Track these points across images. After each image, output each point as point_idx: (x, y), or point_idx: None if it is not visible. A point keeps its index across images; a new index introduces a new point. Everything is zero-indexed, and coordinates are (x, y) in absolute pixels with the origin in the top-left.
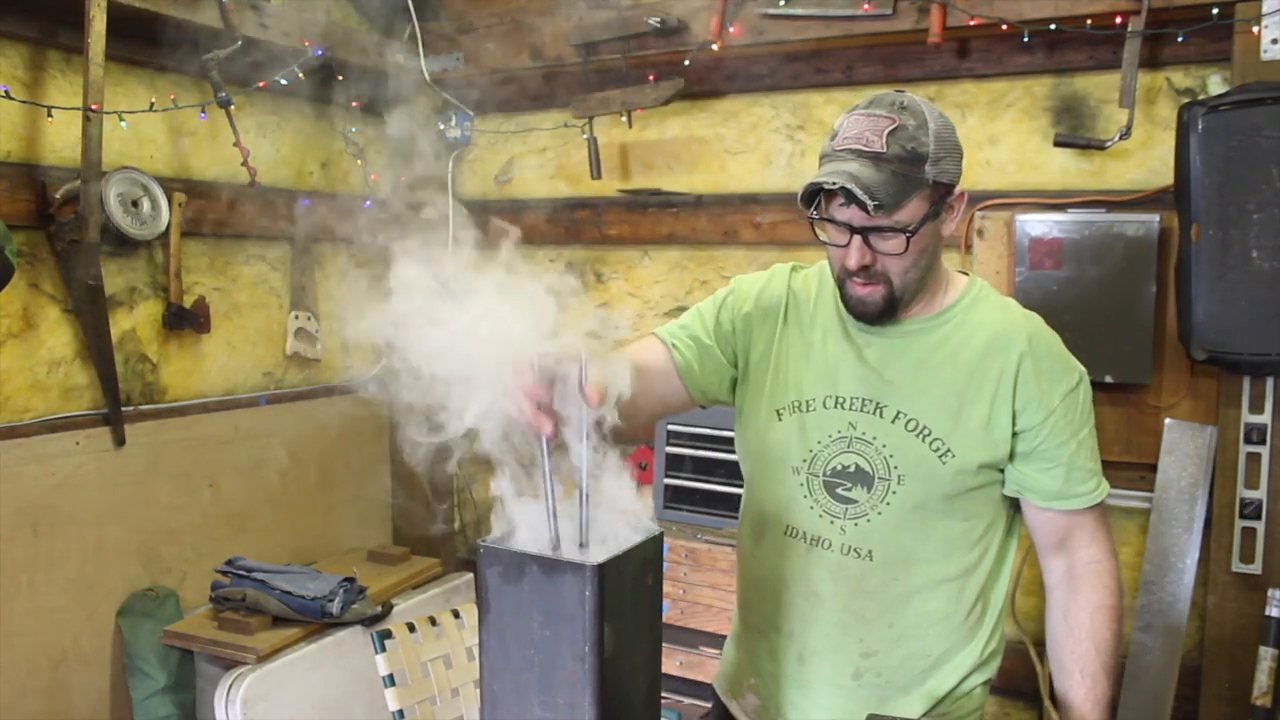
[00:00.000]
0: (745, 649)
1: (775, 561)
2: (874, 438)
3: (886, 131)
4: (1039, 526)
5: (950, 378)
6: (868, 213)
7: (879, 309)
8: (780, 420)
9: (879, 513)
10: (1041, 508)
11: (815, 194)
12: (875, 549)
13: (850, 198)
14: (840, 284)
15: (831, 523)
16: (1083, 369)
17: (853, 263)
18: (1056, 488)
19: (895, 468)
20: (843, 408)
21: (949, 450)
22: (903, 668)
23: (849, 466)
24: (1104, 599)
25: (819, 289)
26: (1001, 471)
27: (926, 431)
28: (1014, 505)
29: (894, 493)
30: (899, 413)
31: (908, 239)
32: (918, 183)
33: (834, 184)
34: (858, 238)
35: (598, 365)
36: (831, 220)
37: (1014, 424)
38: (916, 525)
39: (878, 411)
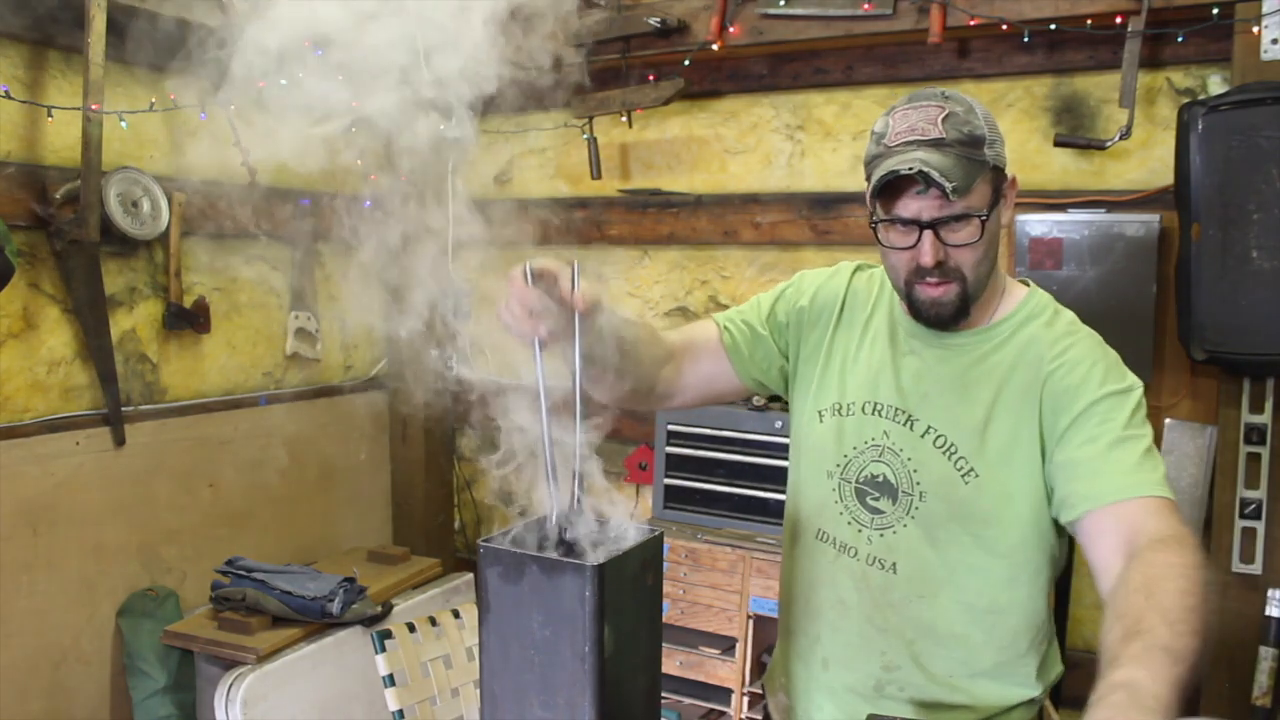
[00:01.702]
0: (782, 648)
1: (806, 565)
2: (901, 449)
3: (940, 118)
4: (1091, 542)
5: (982, 394)
6: (946, 197)
7: (954, 309)
8: (821, 421)
9: (904, 526)
10: (1082, 513)
11: (886, 187)
12: (899, 562)
13: (928, 182)
14: (908, 288)
15: (859, 531)
16: (1138, 383)
17: (928, 259)
18: (1092, 485)
19: (918, 483)
20: (879, 415)
21: (972, 469)
22: (926, 686)
23: (878, 476)
24: (1172, 558)
25: (880, 291)
26: (1041, 497)
27: (952, 449)
28: (1057, 545)
29: (917, 508)
30: (929, 427)
31: (982, 223)
32: (980, 165)
33: (910, 169)
34: (928, 233)
35: (591, 279)
36: (898, 220)
37: (1043, 443)
38: (940, 544)
39: (908, 423)
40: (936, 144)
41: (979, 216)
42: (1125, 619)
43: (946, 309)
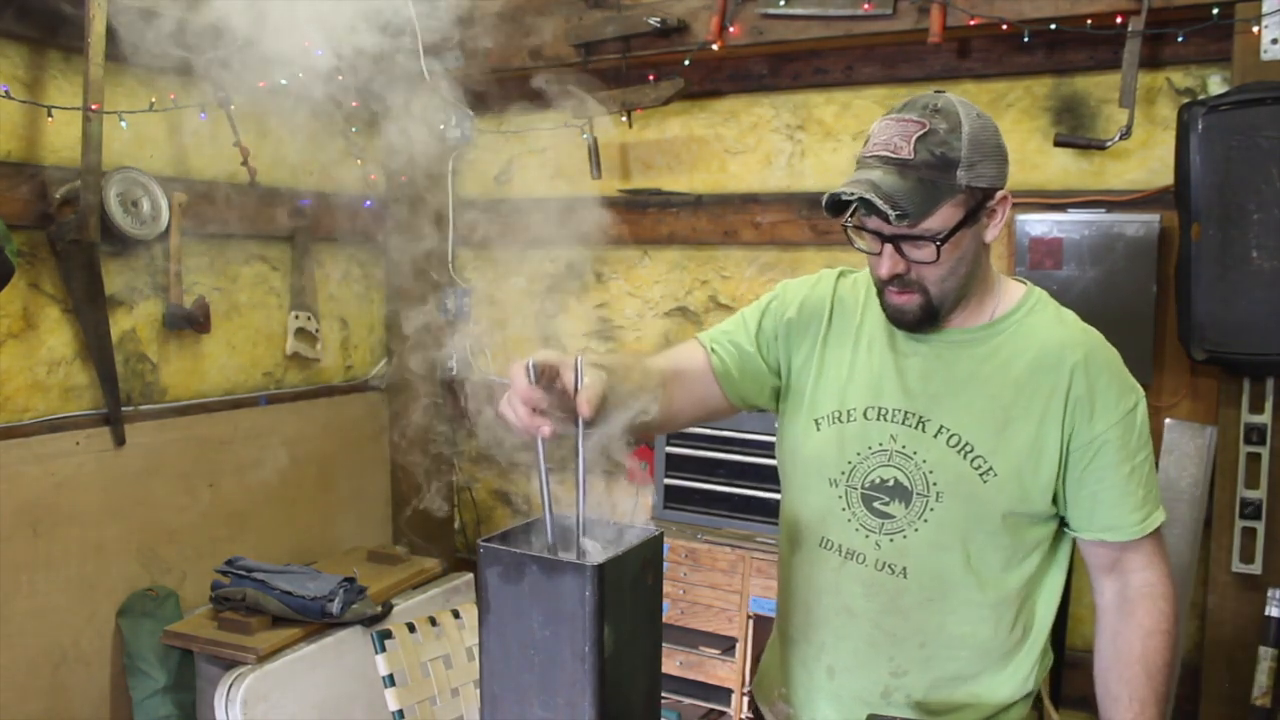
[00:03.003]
0: (779, 656)
1: (809, 573)
2: (914, 452)
3: (915, 137)
4: (1089, 551)
5: (997, 393)
6: (890, 223)
7: (916, 318)
8: (819, 430)
9: (916, 529)
10: (1089, 538)
11: (841, 203)
12: (910, 566)
13: (871, 208)
14: (879, 292)
15: (867, 537)
16: (1140, 391)
17: (883, 271)
18: (1104, 517)
19: (934, 484)
20: (884, 419)
21: (990, 468)
22: (933, 690)
23: (888, 480)
24: (1158, 623)
25: (867, 296)
26: (1052, 499)
27: (969, 448)
28: (1063, 524)
29: (932, 510)
30: (941, 427)
31: (938, 247)
32: (948, 189)
33: (852, 195)
34: (889, 246)
35: (594, 372)
36: (864, 228)
37: (1063, 447)
38: (954, 545)
39: (919, 425)
40: (901, 165)
41: (933, 240)
42: (1132, 688)
43: (908, 316)
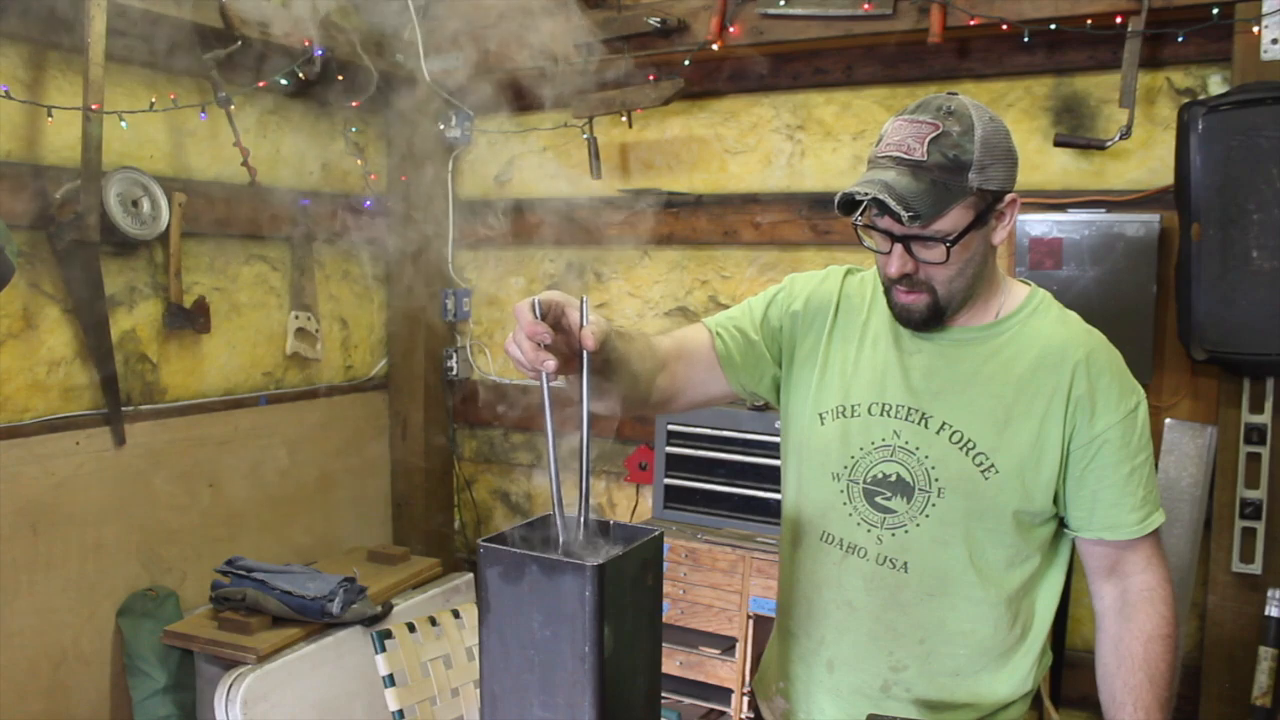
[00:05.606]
0: (779, 651)
1: (810, 567)
2: (917, 448)
3: (928, 139)
4: (1087, 552)
5: (1000, 391)
6: (901, 223)
7: (923, 317)
8: (823, 424)
9: (917, 524)
10: (1088, 537)
11: (853, 202)
12: (911, 561)
13: (883, 209)
14: (886, 290)
15: (869, 531)
16: (1141, 392)
17: (892, 270)
18: (1104, 516)
19: (936, 480)
20: (888, 415)
21: (992, 465)
22: (932, 685)
23: (890, 475)
24: (1159, 627)
25: (874, 294)
26: (1053, 498)
27: (970, 445)
28: (1063, 525)
29: (933, 505)
30: (944, 424)
31: (948, 248)
32: (960, 191)
33: (865, 195)
34: (898, 246)
35: (599, 314)
36: (874, 227)
37: (1064, 445)
38: (955, 540)
39: (922, 421)
40: (915, 166)
41: (944, 241)
42: (1137, 695)
43: (915, 316)
